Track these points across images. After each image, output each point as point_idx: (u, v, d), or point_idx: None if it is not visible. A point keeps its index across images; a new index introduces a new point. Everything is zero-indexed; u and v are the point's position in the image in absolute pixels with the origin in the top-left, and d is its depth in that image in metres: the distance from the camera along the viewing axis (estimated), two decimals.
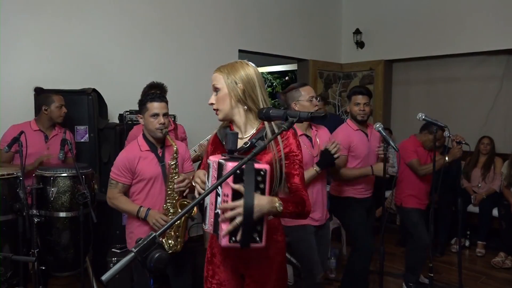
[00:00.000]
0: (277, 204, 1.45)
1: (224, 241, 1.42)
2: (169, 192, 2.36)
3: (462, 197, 3.18)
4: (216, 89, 1.64)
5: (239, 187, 1.38)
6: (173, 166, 2.36)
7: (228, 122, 1.71)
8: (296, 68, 6.72)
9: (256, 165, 1.40)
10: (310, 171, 2.49)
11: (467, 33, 5.25)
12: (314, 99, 2.62)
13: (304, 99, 2.59)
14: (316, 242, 2.64)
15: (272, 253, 1.64)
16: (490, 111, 5.45)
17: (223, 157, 1.48)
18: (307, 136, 2.62)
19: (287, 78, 8.86)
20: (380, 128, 2.78)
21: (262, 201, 1.40)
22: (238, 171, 1.37)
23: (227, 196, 1.40)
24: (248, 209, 1.37)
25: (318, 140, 2.66)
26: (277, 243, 1.66)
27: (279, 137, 1.58)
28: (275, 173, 1.57)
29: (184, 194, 2.40)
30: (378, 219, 4.93)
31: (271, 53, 5.61)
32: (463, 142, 3.20)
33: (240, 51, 5.18)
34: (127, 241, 2.54)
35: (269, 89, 9.13)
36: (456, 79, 5.77)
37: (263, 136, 1.59)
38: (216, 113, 1.67)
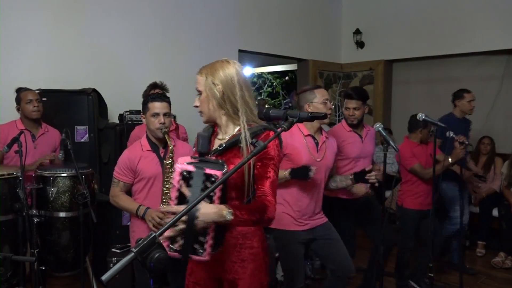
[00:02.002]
0: (225, 212, 1.36)
1: None
2: (166, 191, 2.36)
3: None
4: (198, 92, 1.63)
5: (185, 190, 1.33)
6: (168, 166, 2.36)
7: (212, 124, 1.68)
8: (296, 68, 6.72)
9: (207, 170, 1.34)
10: (281, 173, 2.36)
11: (467, 33, 5.25)
12: (328, 102, 2.57)
13: (318, 101, 2.54)
14: (325, 245, 2.55)
15: (247, 258, 1.61)
16: (490, 111, 5.44)
17: (191, 160, 1.44)
18: (314, 139, 2.55)
19: (287, 78, 8.87)
20: (380, 128, 2.77)
21: (207, 210, 1.34)
22: (186, 174, 1.30)
23: (172, 200, 1.35)
24: (191, 216, 1.31)
25: (325, 147, 2.59)
26: (251, 248, 1.62)
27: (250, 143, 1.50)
28: (246, 179, 1.52)
29: None
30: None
31: (271, 53, 5.61)
32: (466, 142, 3.19)
33: (240, 51, 5.18)
34: (130, 240, 2.56)
35: (269, 89, 9.14)
36: (456, 79, 5.77)
37: (238, 141, 1.54)
38: (200, 116, 1.66)
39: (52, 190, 2.81)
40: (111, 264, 2.99)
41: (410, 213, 3.46)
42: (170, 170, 2.36)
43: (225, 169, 1.41)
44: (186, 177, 1.34)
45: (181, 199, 1.35)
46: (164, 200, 2.36)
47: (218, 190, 1.38)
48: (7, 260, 2.28)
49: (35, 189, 2.84)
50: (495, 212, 4.54)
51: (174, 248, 1.36)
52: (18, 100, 3.19)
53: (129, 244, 2.93)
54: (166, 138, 2.40)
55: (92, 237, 2.99)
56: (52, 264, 2.95)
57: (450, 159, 3.28)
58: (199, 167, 1.34)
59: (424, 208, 3.44)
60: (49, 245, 2.86)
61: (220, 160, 1.49)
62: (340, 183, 2.68)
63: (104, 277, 0.96)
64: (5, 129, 3.10)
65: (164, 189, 2.37)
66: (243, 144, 1.52)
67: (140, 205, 2.39)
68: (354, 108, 2.99)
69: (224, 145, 1.55)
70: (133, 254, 1.02)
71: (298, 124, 2.48)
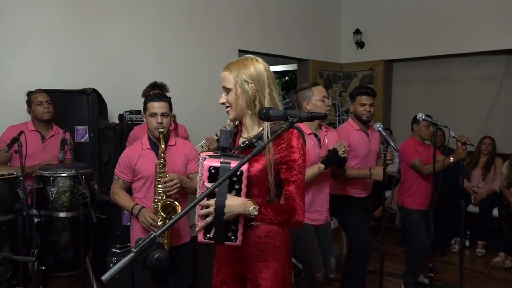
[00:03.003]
0: (251, 208, 1.42)
1: (200, 237, 1.47)
2: (158, 191, 2.35)
3: (464, 198, 3.18)
4: (226, 89, 1.60)
5: (211, 186, 1.36)
6: (160, 166, 2.35)
7: (237, 122, 1.68)
8: (296, 68, 6.72)
9: (232, 165, 1.41)
10: (313, 169, 2.46)
11: (467, 33, 5.25)
12: (326, 99, 2.62)
13: (316, 98, 2.60)
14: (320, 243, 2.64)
15: (269, 257, 1.61)
16: (490, 111, 5.45)
17: (214, 154, 1.49)
18: (316, 136, 2.60)
19: (287, 78, 8.86)
20: (380, 128, 2.78)
21: (233, 203, 1.41)
22: (213, 170, 1.40)
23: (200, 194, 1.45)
24: (219, 209, 1.39)
25: (326, 140, 2.64)
26: (275, 247, 1.62)
27: (272, 142, 1.52)
28: (270, 178, 1.53)
29: (168, 194, 2.32)
30: (378, 219, 4.94)
31: (271, 53, 5.61)
32: (468, 142, 3.19)
33: (240, 51, 5.18)
34: (130, 240, 2.58)
35: None
36: (456, 79, 5.77)
37: (262, 137, 1.55)
38: (227, 112, 1.63)
39: (52, 190, 2.81)
40: (111, 264, 2.99)
41: (415, 213, 3.46)
42: (161, 170, 2.34)
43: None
44: (213, 173, 1.41)
45: (211, 194, 1.40)
46: (156, 200, 2.35)
47: (244, 183, 1.43)
48: (7, 260, 2.29)
49: (35, 189, 2.83)
50: (495, 212, 4.54)
51: (209, 236, 1.45)
52: (29, 103, 3.22)
53: (129, 244, 2.94)
54: (160, 138, 2.37)
55: (92, 237, 2.98)
56: (52, 264, 2.94)
57: (451, 159, 3.28)
58: (224, 162, 1.40)
59: (425, 208, 3.45)
60: (49, 245, 2.86)
61: (241, 155, 1.50)
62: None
63: (104, 277, 0.96)
64: (14, 131, 3.10)
65: (156, 189, 2.35)
66: (264, 141, 1.51)
67: (135, 204, 2.39)
68: (370, 104, 2.99)
69: (247, 142, 1.56)
70: (133, 254, 1.02)
71: (299, 124, 2.50)
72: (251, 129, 1.63)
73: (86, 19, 4.02)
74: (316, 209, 2.62)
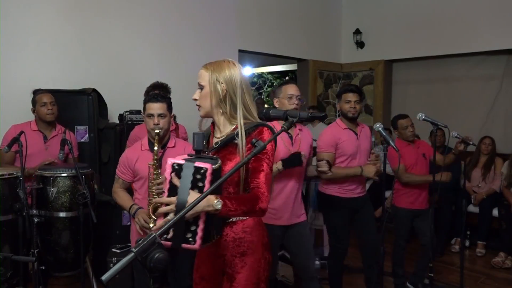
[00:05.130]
0: (214, 202, 1.39)
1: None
2: (151, 192, 2.32)
3: (464, 198, 3.17)
4: (200, 86, 1.66)
5: (175, 181, 1.37)
6: (153, 167, 2.32)
7: (211, 124, 1.73)
8: (296, 68, 6.73)
9: (197, 163, 1.38)
10: (274, 166, 2.41)
11: (467, 33, 5.25)
12: (294, 97, 2.61)
13: (283, 96, 2.61)
14: (291, 242, 2.65)
15: (246, 252, 1.63)
16: (490, 111, 5.45)
17: (188, 157, 1.47)
18: (288, 133, 2.59)
19: (287, 78, 8.87)
20: (380, 128, 2.77)
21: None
22: (177, 166, 1.36)
23: (164, 191, 1.41)
24: (181, 206, 1.34)
25: (300, 139, 2.63)
26: (251, 243, 1.64)
27: (246, 140, 1.55)
28: (241, 175, 1.56)
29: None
30: (378, 219, 4.94)
31: (271, 53, 5.62)
32: (470, 143, 3.19)
33: (240, 51, 5.18)
34: (130, 240, 2.60)
35: (269, 89, 9.14)
36: (456, 79, 5.78)
37: (233, 138, 1.57)
38: (198, 109, 1.70)
39: (52, 190, 2.81)
40: (111, 264, 2.99)
41: (402, 212, 3.45)
42: (155, 172, 2.32)
43: (218, 164, 1.44)
44: (177, 170, 1.38)
45: (173, 191, 1.38)
46: (150, 201, 2.32)
47: (208, 181, 1.39)
48: (7, 260, 2.29)
49: (35, 189, 2.84)
50: (495, 212, 4.54)
51: (167, 237, 1.37)
52: (33, 102, 3.22)
53: (129, 244, 2.93)
54: (156, 139, 2.34)
55: (92, 237, 2.98)
56: (52, 264, 2.94)
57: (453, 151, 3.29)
58: (189, 160, 1.38)
59: (416, 207, 3.42)
60: (49, 245, 2.86)
61: (214, 156, 1.52)
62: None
63: (104, 277, 0.96)
64: (18, 129, 3.10)
65: (150, 190, 2.33)
66: (238, 140, 1.55)
67: (132, 204, 2.40)
68: (355, 101, 3.00)
69: (219, 142, 1.60)
70: (133, 254, 1.02)
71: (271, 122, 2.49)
72: (224, 128, 1.66)
73: (86, 19, 4.02)
74: (286, 209, 2.57)
